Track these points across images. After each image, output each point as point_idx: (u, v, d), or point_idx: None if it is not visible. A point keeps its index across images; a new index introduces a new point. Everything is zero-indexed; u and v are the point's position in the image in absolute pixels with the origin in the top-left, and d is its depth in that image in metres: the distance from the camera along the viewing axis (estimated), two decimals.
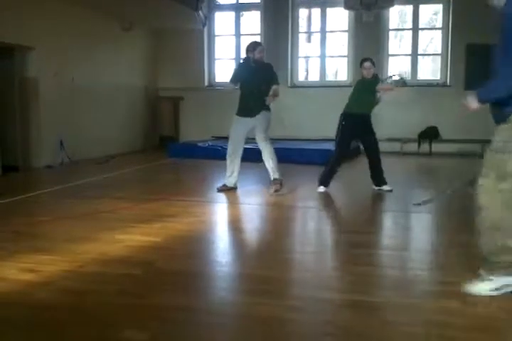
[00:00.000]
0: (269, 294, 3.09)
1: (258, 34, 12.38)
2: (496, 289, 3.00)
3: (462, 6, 11.01)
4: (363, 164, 6.71)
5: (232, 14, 12.62)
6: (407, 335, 2.55)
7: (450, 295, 3.03)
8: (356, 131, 6.44)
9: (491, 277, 3.02)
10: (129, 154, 10.87)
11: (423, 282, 3.34)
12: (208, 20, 12.35)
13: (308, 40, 12.81)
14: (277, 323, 2.71)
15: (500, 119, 2.95)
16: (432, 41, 12.40)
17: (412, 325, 2.67)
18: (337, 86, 11.57)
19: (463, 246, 4.05)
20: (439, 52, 11.77)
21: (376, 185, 6.64)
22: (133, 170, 8.68)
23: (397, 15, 12.48)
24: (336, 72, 12.85)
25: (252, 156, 7.02)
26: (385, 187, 6.57)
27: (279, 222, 5.34)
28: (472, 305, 2.89)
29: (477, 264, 3.17)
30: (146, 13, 10.67)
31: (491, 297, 3.01)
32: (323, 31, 12.18)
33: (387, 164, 6.78)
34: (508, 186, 2.91)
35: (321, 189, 6.48)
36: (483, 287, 3.02)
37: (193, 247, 4.18)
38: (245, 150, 6.62)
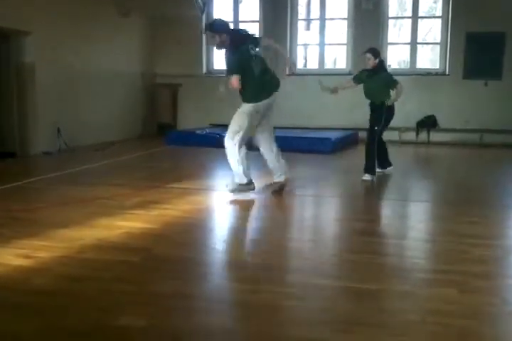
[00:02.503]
0: (267, 281, 3.10)
1: (257, 21, 12.28)
2: None
3: None
4: (362, 152, 6.70)
5: (230, 0, 12.51)
6: (404, 322, 2.56)
7: (447, 284, 3.04)
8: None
9: None
10: (126, 141, 10.83)
11: (420, 270, 3.34)
12: (207, 6, 12.24)
13: (308, 27, 12.73)
14: (275, 310, 2.71)
15: None
16: (432, 30, 12.34)
17: (409, 312, 2.68)
18: (336, 74, 11.48)
19: (460, 235, 4.07)
20: (439, 40, 11.70)
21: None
22: (131, 157, 8.66)
23: (397, 3, 12.40)
24: (335, 60, 12.78)
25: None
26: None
27: (277, 209, 5.34)
28: (468, 293, 2.91)
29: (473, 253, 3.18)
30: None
31: (486, 285, 3.03)
32: (322, 19, 12.08)
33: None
34: None
35: (367, 177, 6.39)
36: None
37: (190, 234, 4.19)
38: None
